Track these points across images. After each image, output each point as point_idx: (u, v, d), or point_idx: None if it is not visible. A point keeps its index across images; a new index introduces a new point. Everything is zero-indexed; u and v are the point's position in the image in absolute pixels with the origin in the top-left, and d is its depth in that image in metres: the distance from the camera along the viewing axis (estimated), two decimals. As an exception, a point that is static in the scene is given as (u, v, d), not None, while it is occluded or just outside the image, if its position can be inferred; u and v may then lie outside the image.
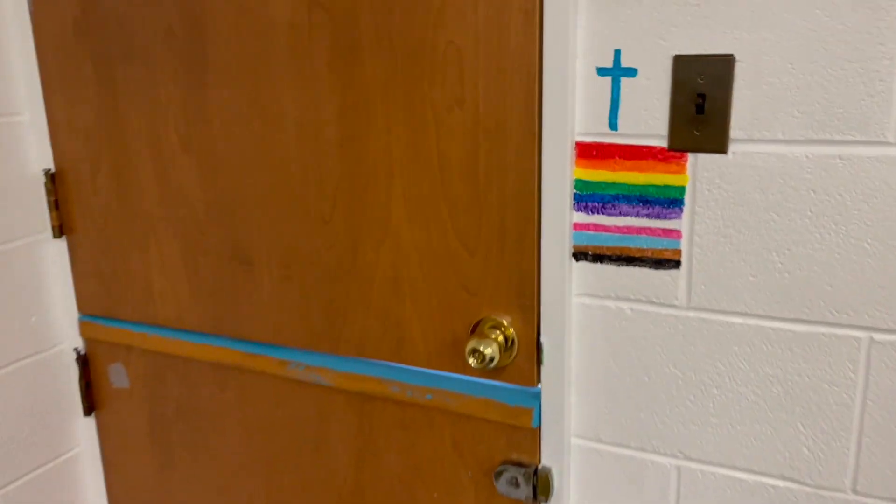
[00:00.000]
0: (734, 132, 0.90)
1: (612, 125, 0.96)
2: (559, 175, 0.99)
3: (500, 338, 1.08)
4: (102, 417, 1.54)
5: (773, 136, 0.88)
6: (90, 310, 1.47)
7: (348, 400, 1.24)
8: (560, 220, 1.00)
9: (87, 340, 1.51)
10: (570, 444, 1.10)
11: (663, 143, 0.94)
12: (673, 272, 0.97)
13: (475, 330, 1.10)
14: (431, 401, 1.16)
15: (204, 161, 1.26)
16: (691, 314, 0.98)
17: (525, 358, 1.08)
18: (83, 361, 1.51)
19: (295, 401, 1.30)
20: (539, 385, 1.09)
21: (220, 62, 1.20)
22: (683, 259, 0.96)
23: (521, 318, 1.07)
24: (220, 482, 1.43)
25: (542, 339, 1.06)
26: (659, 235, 0.97)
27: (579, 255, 1.02)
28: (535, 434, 1.10)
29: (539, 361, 1.07)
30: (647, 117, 0.94)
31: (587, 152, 0.98)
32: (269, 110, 1.18)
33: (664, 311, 0.99)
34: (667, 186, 0.95)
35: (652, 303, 0.99)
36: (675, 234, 0.96)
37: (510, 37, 0.97)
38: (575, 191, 1.00)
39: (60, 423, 1.51)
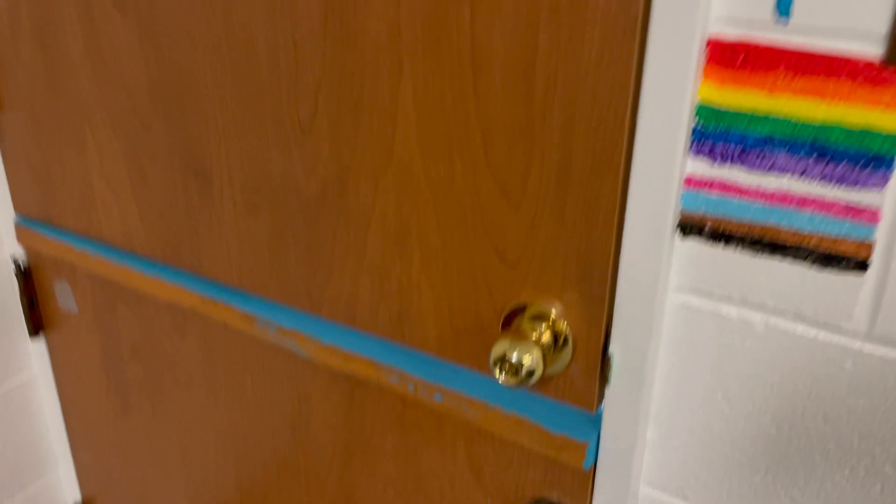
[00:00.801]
0: None
1: (783, 9, 0.53)
2: (672, 93, 0.57)
3: (547, 336, 0.71)
4: (53, 341, 1.25)
5: None
6: (27, 209, 1.14)
7: (333, 380, 0.91)
8: (664, 169, 0.60)
9: (29, 252, 1.19)
10: (639, 497, 0.74)
11: (875, 51, 0.51)
12: (852, 278, 0.57)
13: (510, 321, 0.73)
14: (442, 404, 0.81)
15: (144, 27, 0.87)
16: (872, 349, 0.58)
17: (583, 369, 0.71)
18: (26, 275, 1.21)
19: (266, 368, 0.97)
20: (599, 409, 0.73)
21: None
22: (875, 259, 0.56)
23: (582, 311, 0.69)
24: (183, 441, 1.14)
25: (613, 347, 0.68)
26: (839, 215, 0.56)
27: (689, 227, 0.62)
28: (586, 477, 0.75)
29: (604, 378, 0.70)
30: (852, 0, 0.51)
31: (728, 57, 0.56)
32: (224, -46, 0.77)
33: (825, 336, 0.59)
34: (868, 132, 0.53)
35: (805, 320, 0.60)
36: (868, 215, 0.55)
37: None
38: (697, 122, 0.59)
39: (5, 342, 1.22)
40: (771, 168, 0.57)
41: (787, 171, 0.56)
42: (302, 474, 1.00)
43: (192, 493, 1.18)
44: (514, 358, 0.67)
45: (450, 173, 0.71)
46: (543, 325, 0.71)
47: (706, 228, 0.62)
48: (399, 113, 0.72)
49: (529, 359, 0.67)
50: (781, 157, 0.56)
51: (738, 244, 0.61)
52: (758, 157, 0.57)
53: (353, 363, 0.86)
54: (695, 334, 0.65)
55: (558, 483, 0.77)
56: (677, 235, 0.63)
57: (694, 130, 0.59)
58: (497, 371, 0.68)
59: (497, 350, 0.68)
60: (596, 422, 0.73)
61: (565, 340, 0.71)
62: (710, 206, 0.61)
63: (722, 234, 0.61)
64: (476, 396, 0.78)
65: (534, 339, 0.70)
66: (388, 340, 0.83)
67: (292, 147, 0.81)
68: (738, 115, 0.57)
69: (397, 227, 0.77)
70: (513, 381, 0.68)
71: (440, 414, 0.81)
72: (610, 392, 0.70)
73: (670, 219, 0.61)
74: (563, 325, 0.70)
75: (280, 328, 0.91)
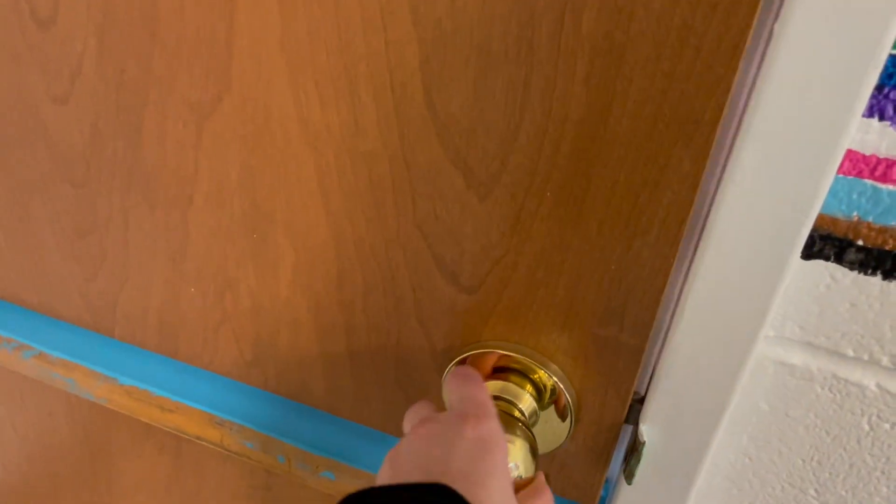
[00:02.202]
0: None
1: None
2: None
3: (527, 401, 0.41)
4: None
5: None
6: None
7: (146, 432, 0.56)
8: (812, 132, 0.30)
9: None
10: None
11: None
12: None
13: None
14: (335, 483, 0.50)
15: None
16: None
17: (586, 453, 0.43)
18: None
19: (32, 406, 0.61)
20: (606, 495, 0.46)
21: None
22: None
23: (595, 368, 0.40)
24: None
25: (647, 427, 0.40)
26: None
27: (823, 242, 0.33)
28: (574, 591, 0.48)
29: (628, 472, 0.42)
30: None
31: None
32: None
33: None
34: None
35: None
36: None
37: None
38: None
39: None
40: None
41: None
42: (108, 544, 0.67)
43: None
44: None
45: (350, 120, 0.36)
46: (520, 382, 0.41)
47: (856, 246, 0.33)
48: (240, -5, 0.35)
49: (511, 462, 0.38)
50: None
51: (912, 275, 0.33)
52: None
53: (176, 416, 0.52)
54: (792, 408, 0.38)
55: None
56: (796, 257, 0.34)
57: (890, 62, 0.29)
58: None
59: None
60: (595, 521, 0.46)
61: (559, 408, 0.42)
62: (877, 209, 0.32)
63: (885, 258, 0.33)
64: (394, 479, 0.48)
65: (500, 407, 0.40)
66: (240, 384, 0.50)
67: (23, 53, 0.42)
68: None
69: (247, 209, 0.42)
70: None
71: (333, 497, 0.51)
72: (631, 490, 0.42)
73: (800, 225, 0.32)
74: (557, 387, 0.41)
75: (41, 355, 0.54)
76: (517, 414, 0.40)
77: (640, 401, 0.41)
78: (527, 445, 0.38)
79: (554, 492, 0.45)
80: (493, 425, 0.33)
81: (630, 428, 0.42)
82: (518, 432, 0.38)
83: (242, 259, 0.44)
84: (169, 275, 0.47)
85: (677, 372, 0.38)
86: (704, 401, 0.38)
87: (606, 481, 0.46)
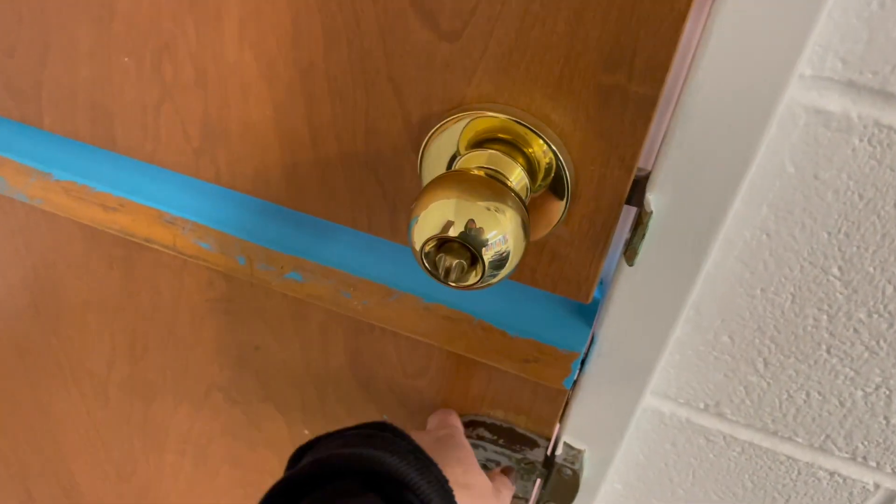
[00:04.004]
0: None
1: None
2: None
3: (518, 175, 0.35)
4: None
5: None
6: None
7: (92, 239, 0.51)
8: None
9: None
10: (639, 412, 0.46)
11: None
12: None
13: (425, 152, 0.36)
14: (304, 285, 0.45)
15: None
16: None
17: (582, 233, 0.38)
18: None
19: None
20: (596, 298, 0.41)
21: None
22: None
23: (596, 128, 0.34)
24: None
25: (654, 195, 0.35)
26: None
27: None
28: (559, 395, 0.45)
29: (630, 250, 0.37)
30: None
31: None
32: None
33: None
34: None
35: None
36: None
37: None
38: None
39: None
40: None
41: None
42: (67, 371, 0.63)
43: None
44: (469, 233, 0.32)
45: None
46: (511, 153, 0.35)
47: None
48: None
49: (500, 234, 0.32)
50: None
51: None
52: None
53: (121, 216, 0.46)
54: (823, 169, 0.33)
55: (509, 401, 0.47)
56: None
57: None
58: (426, 261, 0.33)
59: (428, 215, 0.33)
60: (588, 316, 0.42)
61: (553, 186, 0.36)
62: None
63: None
64: (369, 276, 0.43)
65: (494, 190, 0.34)
66: (190, 178, 0.44)
67: None
68: None
69: (178, -59, 0.34)
70: (467, 279, 0.34)
71: (300, 302, 0.46)
72: (632, 273, 0.38)
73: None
74: (551, 160, 0.35)
75: (-34, 152, 0.48)
76: (509, 184, 0.34)
77: (644, 178, 0.36)
78: (518, 218, 0.33)
79: (544, 288, 0.41)
80: (452, 433, 0.43)
81: (633, 212, 0.37)
82: (509, 202, 0.33)
83: (179, 11, 0.37)
84: (96, 40, 0.40)
85: (693, 126, 0.32)
86: (723, 161, 0.33)
87: (601, 282, 0.42)
